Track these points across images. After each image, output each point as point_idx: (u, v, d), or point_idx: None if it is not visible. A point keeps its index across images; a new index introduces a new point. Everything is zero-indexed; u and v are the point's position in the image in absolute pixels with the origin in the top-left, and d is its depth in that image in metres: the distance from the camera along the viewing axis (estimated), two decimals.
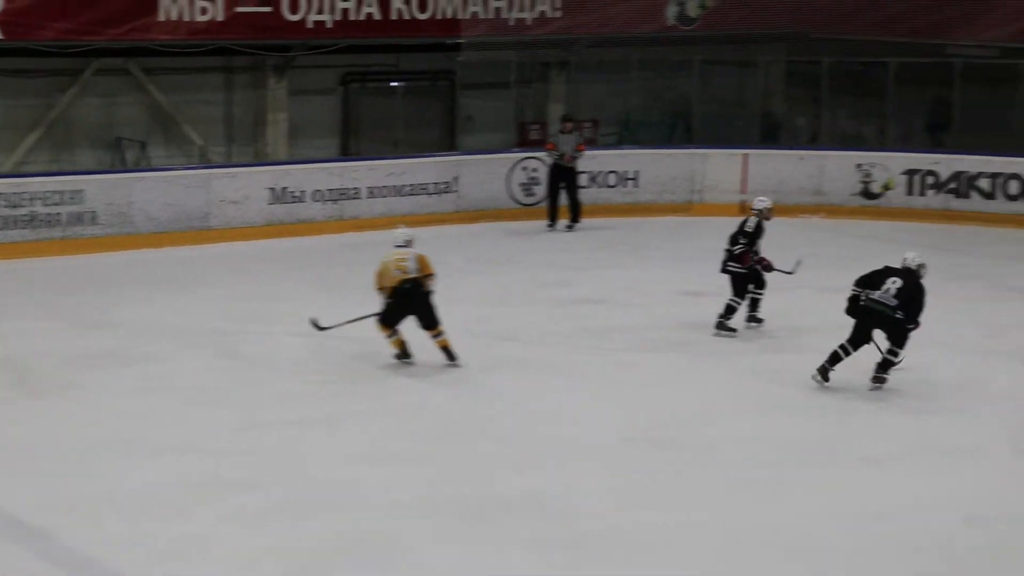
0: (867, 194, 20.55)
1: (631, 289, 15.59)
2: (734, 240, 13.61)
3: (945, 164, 20.39)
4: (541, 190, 19.97)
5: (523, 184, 20.14)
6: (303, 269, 15.99)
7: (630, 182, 20.70)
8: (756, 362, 12.81)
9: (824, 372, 11.89)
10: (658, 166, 20.82)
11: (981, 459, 10.23)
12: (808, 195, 20.79)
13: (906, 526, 8.94)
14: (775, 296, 13.82)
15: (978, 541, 8.73)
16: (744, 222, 13.73)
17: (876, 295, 11.76)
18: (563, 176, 19.32)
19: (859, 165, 20.69)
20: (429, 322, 12.24)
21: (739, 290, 13.56)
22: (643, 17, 22.17)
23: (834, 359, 11.86)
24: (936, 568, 8.35)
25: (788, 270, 13.89)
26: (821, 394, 11.74)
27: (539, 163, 20.01)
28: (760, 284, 13.70)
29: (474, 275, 16.34)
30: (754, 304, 13.75)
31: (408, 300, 12.14)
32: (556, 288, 15.61)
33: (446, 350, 12.31)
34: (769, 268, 13.68)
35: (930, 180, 20.43)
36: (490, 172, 19.99)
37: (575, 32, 21.42)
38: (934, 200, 20.42)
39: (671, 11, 22.29)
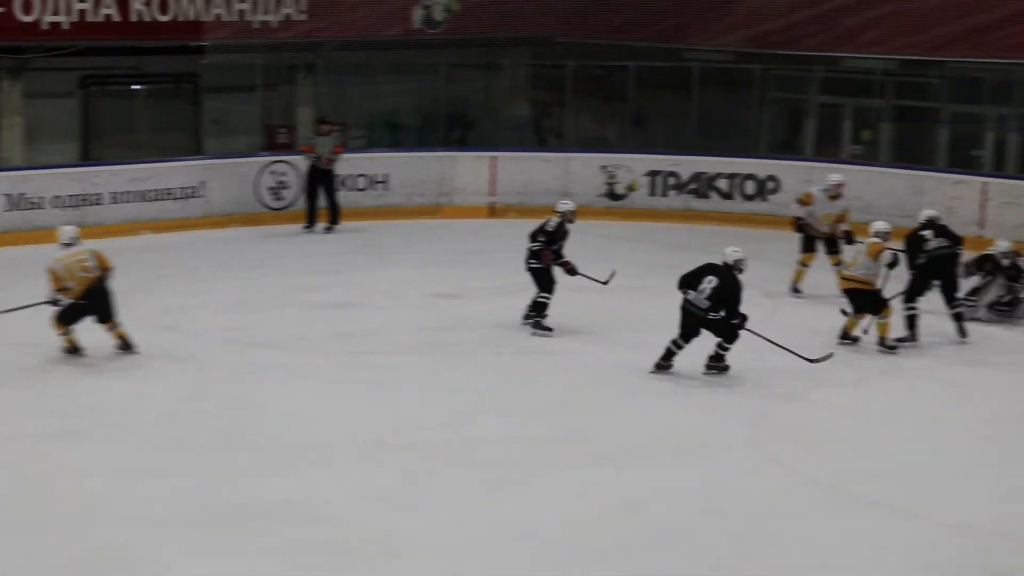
0: (612, 195, 20.98)
1: (383, 292, 15.56)
2: (533, 237, 13.84)
3: (686, 165, 20.97)
4: (290, 194, 19.78)
5: (272, 188, 19.90)
6: (40, 277, 15.42)
7: (379, 185, 20.67)
8: (506, 363, 12.95)
9: (661, 368, 12.33)
10: (407, 169, 20.85)
11: (720, 452, 10.50)
12: (555, 196, 20.91)
13: (651, 519, 9.14)
14: (522, 298, 13.99)
15: (719, 533, 8.97)
16: (546, 222, 13.98)
17: (691, 296, 12.19)
18: (321, 178, 19.22)
19: (604, 167, 21.10)
20: (107, 316, 12.49)
21: (544, 286, 13.73)
22: (389, 20, 22.21)
23: (668, 354, 12.33)
24: (681, 560, 8.56)
25: (603, 280, 14.20)
26: (569, 393, 11.94)
27: (288, 167, 19.82)
28: (545, 288, 13.81)
29: (225, 281, 16.10)
30: (538, 307, 13.83)
31: (94, 299, 12.36)
32: (308, 292, 15.47)
33: (123, 340, 12.59)
34: (573, 272, 13.92)
35: (672, 181, 21.00)
36: (238, 176, 19.69)
37: (321, 35, 21.30)
38: (676, 200, 20.99)
39: (417, 15, 22.37)
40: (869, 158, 21.18)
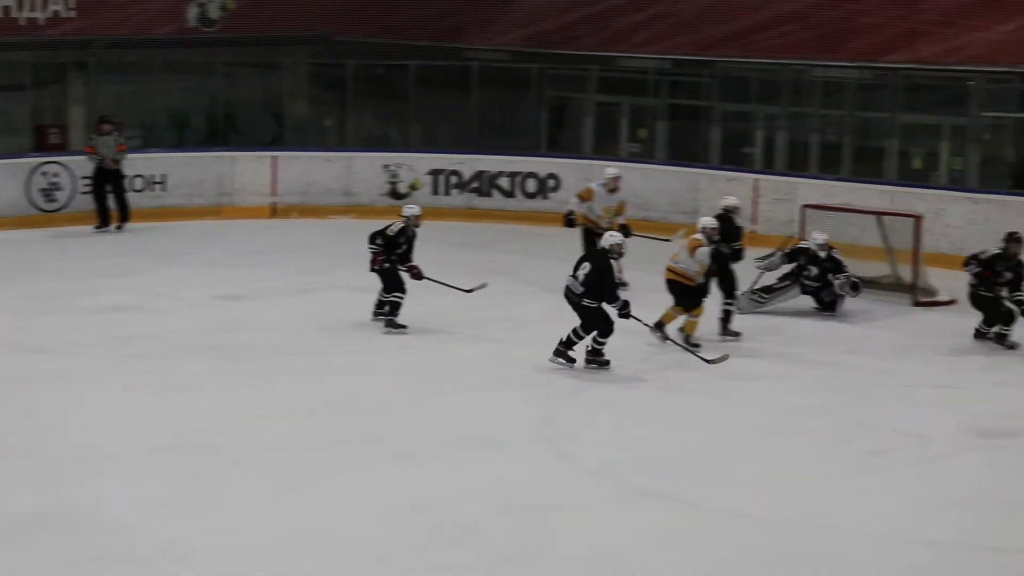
0: (395, 194, 20.99)
1: (162, 295, 15.27)
2: (372, 240, 13.84)
3: (468, 164, 21.13)
4: (63, 196, 19.27)
5: (44, 190, 19.32)
6: None
7: (157, 186, 20.27)
8: (293, 364, 12.84)
9: (560, 355, 12.54)
10: (186, 169, 20.50)
11: (507, 448, 10.61)
12: (338, 196, 21.04)
13: (442, 517, 9.19)
14: (307, 299, 13.93)
15: (507, 528, 9.07)
16: (388, 226, 13.98)
17: (569, 282, 12.40)
18: (107, 178, 18.87)
19: (386, 166, 21.11)
20: None
21: (389, 286, 13.78)
22: (163, 18, 21.86)
23: (568, 343, 12.48)
24: (470, 557, 8.60)
25: (467, 289, 14.36)
26: (359, 393, 11.91)
27: (60, 168, 19.29)
28: (392, 288, 13.81)
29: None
30: (390, 307, 13.85)
31: None
32: (86, 296, 15.07)
33: None
34: (419, 276, 13.96)
35: (454, 180, 21.13)
36: (7, 178, 19.06)
37: (91, 33, 20.77)
38: (459, 199, 21.13)
39: (192, 13, 22.04)
40: (646, 156, 21.65)
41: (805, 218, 16.65)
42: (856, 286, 14.90)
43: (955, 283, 15.66)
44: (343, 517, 9.12)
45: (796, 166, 20.38)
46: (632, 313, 12.44)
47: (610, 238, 12.68)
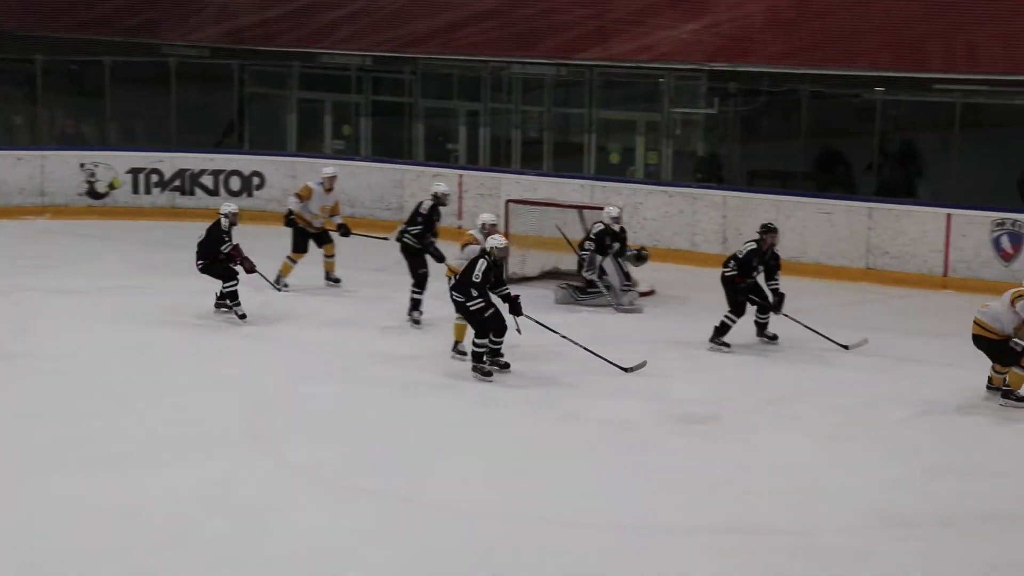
0: (93, 193, 20.44)
1: None
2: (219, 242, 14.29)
3: (169, 162, 20.72)
4: None
5: None
6: None
7: None
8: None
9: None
10: None
11: (220, 449, 10.48)
12: (32, 196, 20.35)
13: (151, 521, 9.02)
14: (3, 299, 13.44)
15: (218, 530, 8.95)
16: (215, 222, 14.44)
17: (451, 283, 12.48)
18: None
19: (83, 165, 20.53)
20: None
21: (223, 275, 14.24)
22: None
23: (477, 356, 12.39)
24: (179, 560, 8.44)
25: (276, 286, 15.04)
26: (53, 399, 11.57)
27: None
28: (225, 277, 14.24)
29: None
30: (229, 296, 14.27)
31: None
32: None
33: None
34: (251, 270, 14.46)
35: (155, 178, 20.69)
36: None
37: None
38: (160, 198, 20.72)
39: None
40: (351, 152, 21.68)
41: (509, 212, 16.98)
42: (642, 257, 15.65)
43: (657, 275, 16.29)
44: (46, 525, 8.84)
45: (499, 161, 20.75)
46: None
47: (491, 240, 12.48)
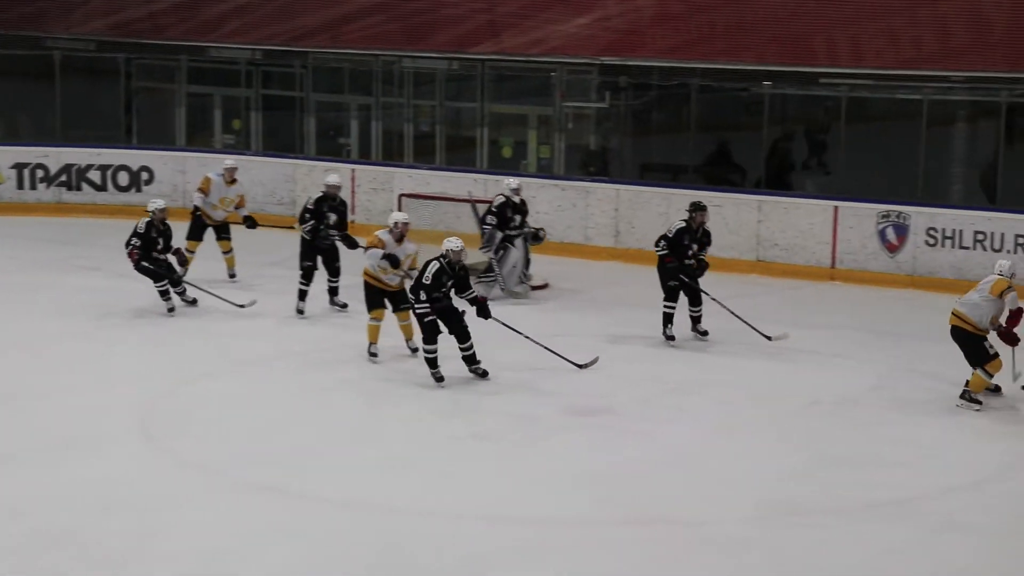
0: None
1: None
2: (127, 240, 13.96)
3: (54, 157, 20.37)
4: None
5: None
6: None
7: None
8: None
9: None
10: None
11: (110, 447, 10.33)
12: None
13: (40, 521, 8.87)
14: None
15: (113, 530, 8.80)
16: (137, 224, 14.06)
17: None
18: None
19: None
20: None
21: (154, 277, 14.08)
22: None
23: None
24: (68, 561, 8.32)
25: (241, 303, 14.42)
26: None
27: None
28: (156, 279, 14.07)
29: None
30: (171, 294, 14.20)
31: None
32: None
33: None
34: (183, 263, 14.43)
35: (40, 173, 20.33)
36: None
37: None
38: (46, 193, 20.36)
39: None
40: (241, 147, 21.45)
41: (402, 206, 16.93)
42: (539, 237, 15.65)
43: (550, 268, 16.36)
44: None
45: (391, 156, 20.67)
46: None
47: (447, 243, 11.99)
